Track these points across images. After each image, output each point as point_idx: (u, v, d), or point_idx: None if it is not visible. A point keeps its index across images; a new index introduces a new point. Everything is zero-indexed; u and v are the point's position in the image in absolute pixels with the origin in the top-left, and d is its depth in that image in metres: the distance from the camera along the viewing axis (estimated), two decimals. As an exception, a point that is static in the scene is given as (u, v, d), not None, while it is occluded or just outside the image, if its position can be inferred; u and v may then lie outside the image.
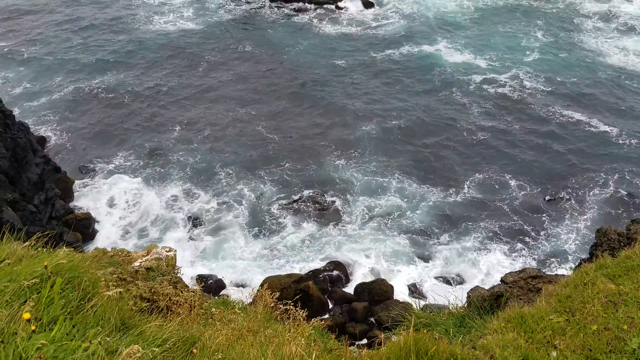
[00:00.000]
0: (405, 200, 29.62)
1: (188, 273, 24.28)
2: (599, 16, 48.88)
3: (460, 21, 48.85)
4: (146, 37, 46.71)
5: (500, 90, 38.10)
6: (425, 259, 26.36)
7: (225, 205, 29.57)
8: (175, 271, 9.48)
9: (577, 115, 35.06)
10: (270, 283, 23.28)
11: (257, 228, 28.28)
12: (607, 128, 33.72)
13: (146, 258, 9.46)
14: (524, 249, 26.46)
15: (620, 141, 32.63)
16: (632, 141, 32.56)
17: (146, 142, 34.09)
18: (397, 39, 46.19)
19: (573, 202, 28.66)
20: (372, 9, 52.80)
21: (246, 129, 35.23)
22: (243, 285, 24.96)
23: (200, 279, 23.55)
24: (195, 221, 28.65)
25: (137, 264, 9.35)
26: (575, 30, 46.55)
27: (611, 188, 29.26)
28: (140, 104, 37.63)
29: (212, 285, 24.41)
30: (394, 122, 35.28)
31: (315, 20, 50.56)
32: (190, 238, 27.71)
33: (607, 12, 49.50)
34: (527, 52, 43.17)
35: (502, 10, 50.71)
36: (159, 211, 29.26)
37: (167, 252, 9.72)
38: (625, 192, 28.88)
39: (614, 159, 31.23)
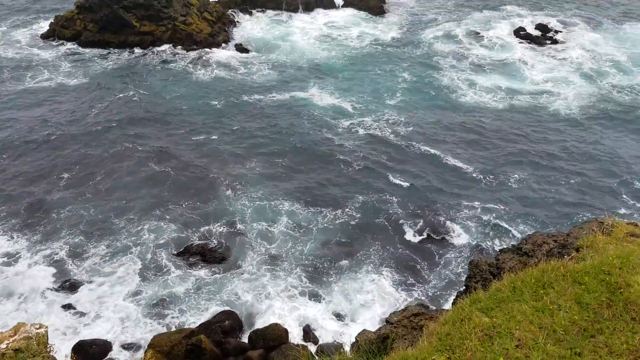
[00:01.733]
0: (297, 230, 30.17)
1: (68, 343, 22.60)
2: (453, 56, 53.28)
3: (332, 68, 51.01)
4: (21, 96, 44.12)
5: (367, 130, 40.24)
6: (319, 295, 26.48)
7: (115, 258, 28.03)
8: (48, 349, 8.72)
9: (436, 151, 37.50)
10: (159, 341, 22.18)
11: (148, 279, 26.99)
12: (464, 162, 36.29)
13: (14, 338, 8.64)
14: (413, 280, 27.44)
15: (476, 174, 35.09)
16: (487, 173, 35.12)
17: (24, 198, 31.58)
18: (270, 85, 47.35)
19: (445, 233, 30.31)
20: (247, 55, 53.52)
21: (138, 172, 34.59)
22: (131, 346, 23.56)
23: (81, 347, 21.91)
24: (78, 282, 26.71)
25: (3, 346, 8.50)
26: (434, 70, 50.32)
27: (477, 219, 31.28)
28: (14, 159, 35.25)
29: (95, 351, 22.77)
30: (274, 158, 36.52)
31: (191, 67, 50.41)
32: (71, 302, 25.72)
33: (459, 53, 54.09)
34: (393, 93, 45.98)
35: (371, 56, 53.64)
36: (35, 278, 26.91)
37: (37, 329, 8.94)
38: (491, 222, 30.96)
39: (474, 191, 33.49)
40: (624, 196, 32.79)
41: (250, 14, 62.90)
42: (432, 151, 37.43)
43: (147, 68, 50.07)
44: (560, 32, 58.67)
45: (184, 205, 31.99)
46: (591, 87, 46.96)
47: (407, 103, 44.15)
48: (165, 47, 54.03)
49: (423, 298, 26.18)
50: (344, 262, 28.27)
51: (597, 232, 10.86)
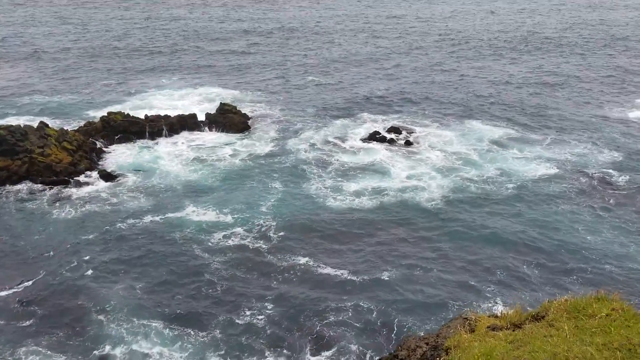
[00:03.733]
0: (171, 351, 29.63)
1: None
2: (318, 163, 55.86)
3: (206, 186, 51.31)
4: None
5: (239, 242, 40.60)
6: None
7: None
8: None
9: (308, 259, 38.19)
10: None
11: None
12: (335, 267, 37.16)
13: None
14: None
15: (349, 278, 35.94)
16: (360, 276, 36.08)
17: None
18: (142, 210, 46.31)
19: (324, 343, 30.23)
20: (114, 182, 52.21)
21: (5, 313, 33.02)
22: None
23: None
24: None
25: None
26: (303, 179, 52.33)
27: (355, 324, 31.59)
28: None
29: None
30: (144, 281, 35.95)
31: (53, 201, 48.09)
32: None
33: (323, 160, 56.93)
34: (266, 203, 47.11)
35: (244, 170, 54.75)
36: None
37: None
38: (369, 327, 31.35)
39: (349, 296, 34.06)
40: (486, 285, 35.06)
41: (113, 141, 62.01)
42: (303, 260, 38.14)
43: (4, 209, 46.91)
44: (413, 132, 64.16)
45: (57, 340, 30.44)
46: (449, 181, 51.14)
47: (278, 213, 45.16)
48: (23, 183, 51.18)
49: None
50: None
51: (461, 330, 11.52)
